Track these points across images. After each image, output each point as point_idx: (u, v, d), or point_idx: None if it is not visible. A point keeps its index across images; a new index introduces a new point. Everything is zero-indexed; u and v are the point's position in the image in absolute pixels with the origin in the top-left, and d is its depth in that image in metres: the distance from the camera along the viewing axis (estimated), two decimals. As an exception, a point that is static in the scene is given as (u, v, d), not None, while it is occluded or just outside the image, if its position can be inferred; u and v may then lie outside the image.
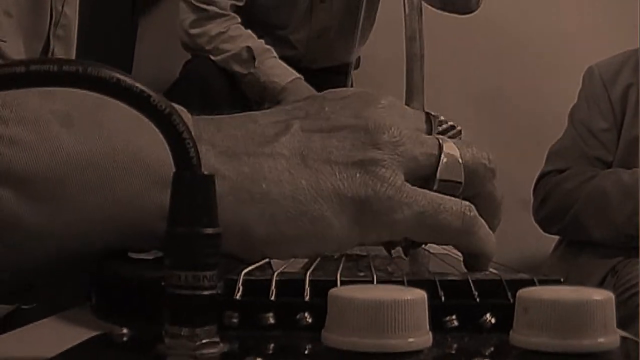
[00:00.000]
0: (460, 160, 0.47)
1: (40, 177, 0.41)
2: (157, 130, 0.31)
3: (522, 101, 2.64)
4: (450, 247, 0.50)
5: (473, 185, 0.48)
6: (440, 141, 0.48)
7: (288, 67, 2.15)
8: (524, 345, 0.32)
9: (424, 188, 0.46)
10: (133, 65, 2.48)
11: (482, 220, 0.47)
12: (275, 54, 2.16)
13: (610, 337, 0.31)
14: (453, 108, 2.00)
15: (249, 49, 2.13)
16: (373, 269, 0.41)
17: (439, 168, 0.47)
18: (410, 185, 0.46)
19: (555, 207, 2.08)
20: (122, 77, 0.31)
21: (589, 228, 2.01)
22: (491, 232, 0.47)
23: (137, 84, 0.31)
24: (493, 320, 0.36)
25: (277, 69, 2.14)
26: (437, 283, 0.37)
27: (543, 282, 0.37)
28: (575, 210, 2.02)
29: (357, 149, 0.45)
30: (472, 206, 0.47)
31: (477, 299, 0.37)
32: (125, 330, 0.33)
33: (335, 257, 0.49)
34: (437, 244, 0.50)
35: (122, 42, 2.49)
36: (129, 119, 0.43)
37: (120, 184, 0.42)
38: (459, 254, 0.48)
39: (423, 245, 0.50)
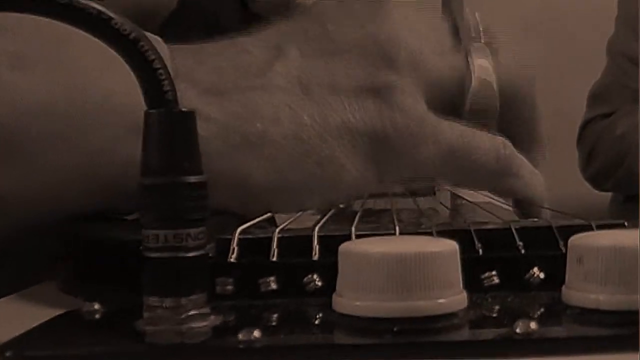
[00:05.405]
0: (494, 82, 0.42)
1: None
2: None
3: (576, 26, 2.52)
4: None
5: (510, 110, 0.43)
6: (469, 57, 0.42)
7: None
8: (580, 303, 0.27)
9: (450, 115, 0.41)
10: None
11: (522, 158, 0.42)
12: None
13: (683, 291, 0.26)
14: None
15: None
16: (396, 221, 0.35)
17: (468, 91, 0.42)
18: (434, 115, 0.40)
19: (605, 160, 1.95)
20: (73, -5, 0.25)
21: None
22: (535, 170, 0.42)
23: (95, 4, 0.26)
24: (542, 275, 0.31)
25: None
26: (473, 233, 0.32)
27: (602, 228, 0.32)
28: (629, 160, 1.90)
29: (368, 73, 0.40)
30: (508, 142, 0.41)
31: (522, 250, 0.31)
32: (97, 306, 0.29)
33: (351, 210, 0.44)
34: (468, 188, 0.45)
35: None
36: (97, 54, 0.37)
37: (89, 134, 0.37)
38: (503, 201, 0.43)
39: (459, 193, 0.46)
